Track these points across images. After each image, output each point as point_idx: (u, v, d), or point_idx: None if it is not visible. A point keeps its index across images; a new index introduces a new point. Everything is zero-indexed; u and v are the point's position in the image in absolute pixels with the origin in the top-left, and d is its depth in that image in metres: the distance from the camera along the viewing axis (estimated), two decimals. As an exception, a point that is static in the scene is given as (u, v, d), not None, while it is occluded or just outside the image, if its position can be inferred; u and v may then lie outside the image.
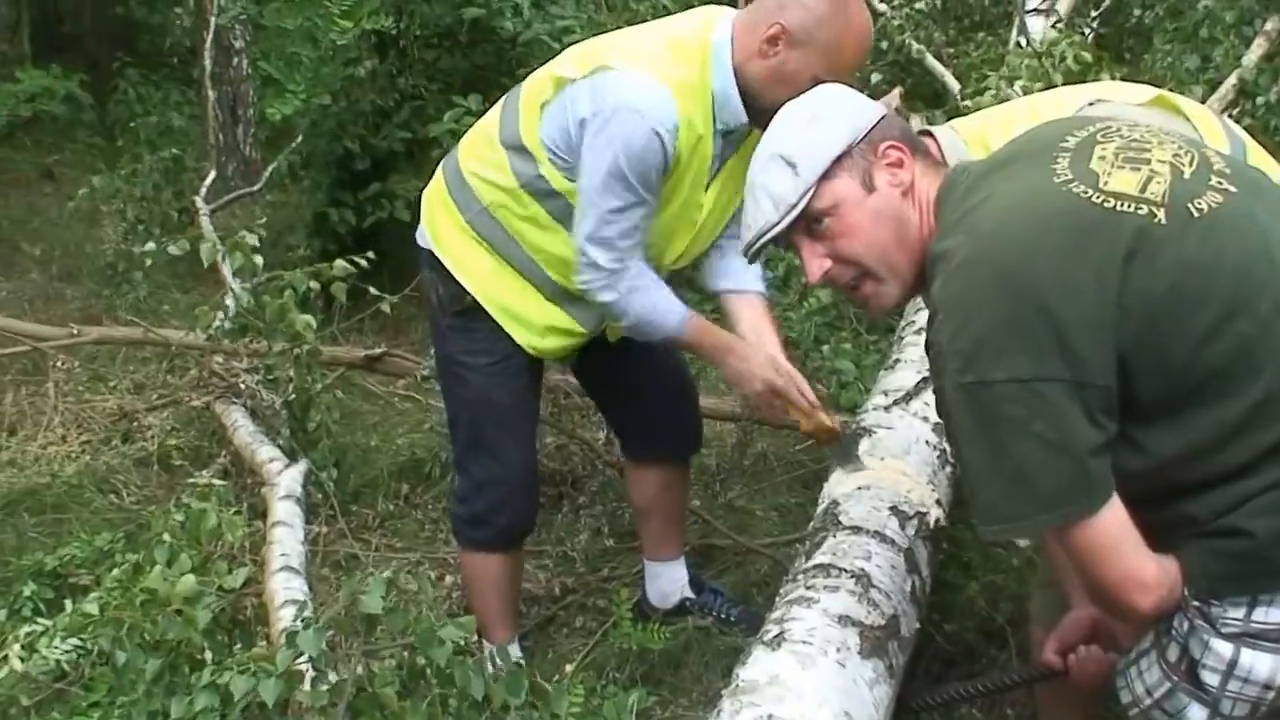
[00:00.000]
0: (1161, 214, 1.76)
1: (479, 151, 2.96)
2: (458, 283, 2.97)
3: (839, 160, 2.05)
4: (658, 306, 2.84)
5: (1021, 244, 1.78)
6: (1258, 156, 2.55)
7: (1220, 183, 1.83)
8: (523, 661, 3.15)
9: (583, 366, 3.41)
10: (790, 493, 4.10)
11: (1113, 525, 1.79)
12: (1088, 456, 1.75)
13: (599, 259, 2.75)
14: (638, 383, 3.26)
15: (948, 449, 2.83)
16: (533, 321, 2.97)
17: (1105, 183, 1.80)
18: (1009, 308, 1.76)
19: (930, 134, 2.56)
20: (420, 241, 3.07)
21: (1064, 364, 1.73)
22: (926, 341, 1.92)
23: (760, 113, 2.70)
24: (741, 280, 3.03)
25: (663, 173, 2.72)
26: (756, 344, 2.90)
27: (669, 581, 3.47)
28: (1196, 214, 1.77)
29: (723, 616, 3.43)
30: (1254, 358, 1.72)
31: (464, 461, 3.15)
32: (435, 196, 3.04)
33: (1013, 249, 1.79)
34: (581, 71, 2.75)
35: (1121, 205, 1.77)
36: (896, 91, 2.67)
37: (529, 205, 2.86)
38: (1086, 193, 1.79)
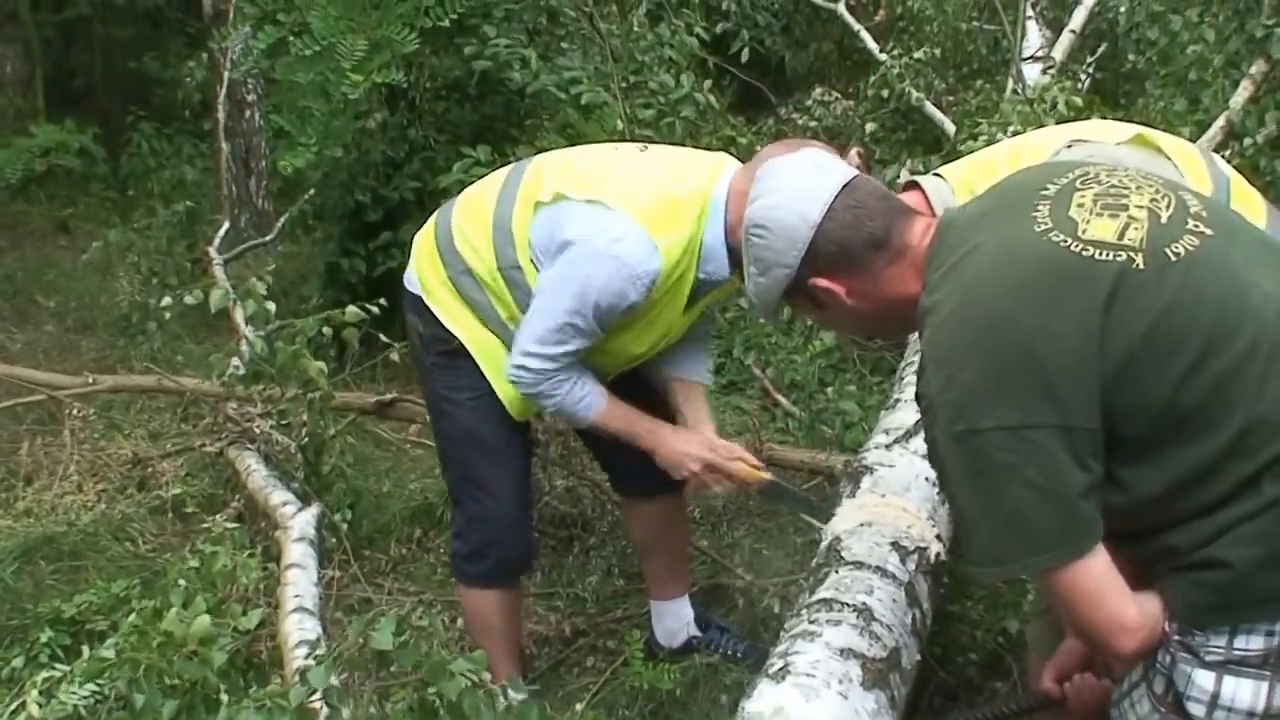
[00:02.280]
0: (1140, 259, 1.81)
1: (472, 218, 3.05)
2: (443, 326, 3.06)
3: (784, 298, 2.15)
4: (577, 404, 2.95)
5: (1005, 295, 1.84)
6: (1241, 192, 2.59)
7: (1197, 225, 1.88)
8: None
9: None
10: (796, 531, 4.12)
11: (1097, 570, 1.84)
12: (1078, 500, 1.80)
13: (530, 365, 2.88)
14: None
15: (945, 487, 2.87)
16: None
17: (1084, 231, 1.85)
18: (995, 358, 1.81)
19: (917, 184, 2.64)
20: (408, 285, 3.16)
21: (1051, 410, 1.78)
22: (916, 393, 1.97)
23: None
24: (693, 373, 3.19)
25: (629, 312, 2.84)
26: (690, 428, 3.06)
27: (675, 620, 3.51)
28: (1174, 258, 1.82)
29: (730, 653, 3.46)
30: (1230, 394, 1.77)
31: (457, 497, 3.22)
32: (424, 247, 3.14)
33: (996, 301, 1.84)
34: (582, 194, 2.86)
35: (1100, 253, 1.82)
36: (854, 153, 2.73)
37: (502, 288, 2.97)
38: (1065, 241, 1.84)
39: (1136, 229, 1.85)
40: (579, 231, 2.81)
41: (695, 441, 3.01)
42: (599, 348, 2.94)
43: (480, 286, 3.01)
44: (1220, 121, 4.43)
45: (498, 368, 3.02)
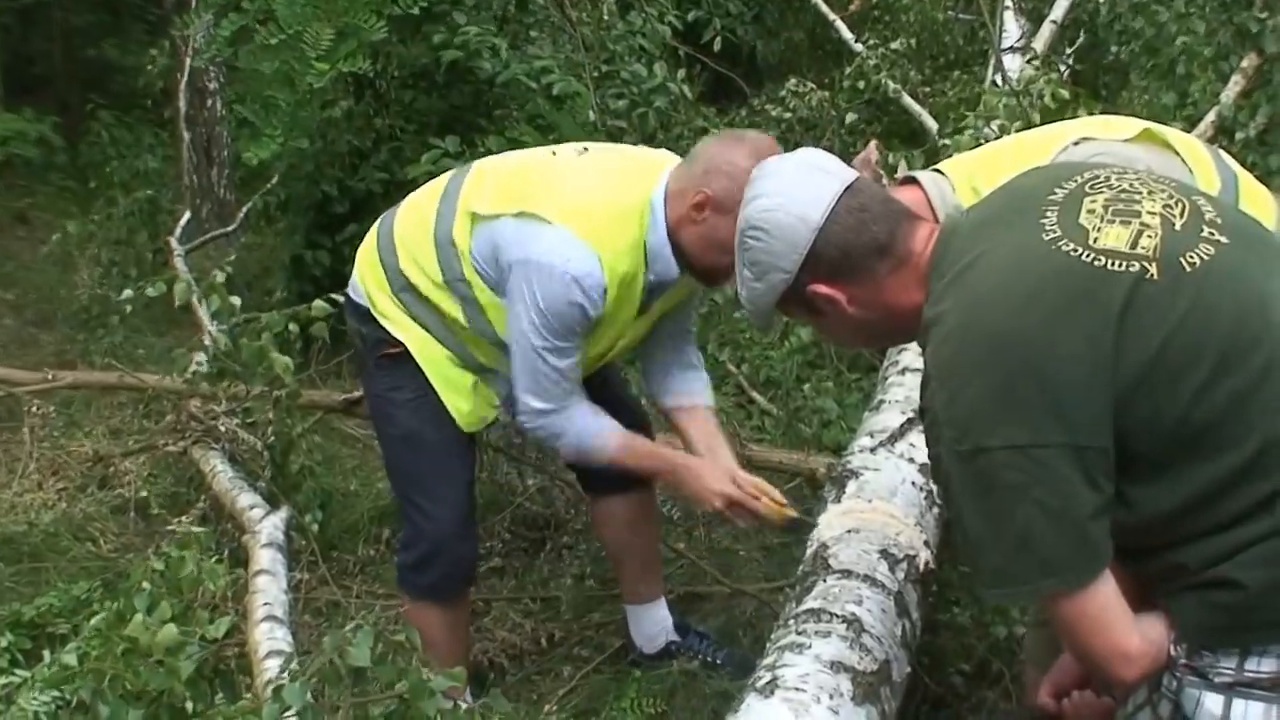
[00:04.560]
0: (1154, 269, 1.75)
1: (414, 231, 3.01)
2: (388, 331, 3.02)
3: (780, 305, 2.08)
4: (596, 437, 2.94)
5: (1012, 309, 1.77)
6: (1250, 190, 2.54)
7: (1212, 233, 1.81)
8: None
9: None
10: (775, 534, 4.07)
11: (1103, 596, 1.79)
12: (1088, 521, 1.75)
13: (535, 405, 2.87)
14: None
15: (934, 489, 2.82)
16: (458, 384, 3.02)
17: (1095, 239, 1.78)
18: (1003, 375, 1.74)
19: (915, 180, 2.57)
20: (352, 294, 3.12)
21: (1061, 429, 1.72)
22: (920, 407, 1.91)
23: (694, 271, 2.84)
24: (691, 397, 3.14)
25: (590, 324, 2.81)
26: (710, 458, 3.00)
27: (651, 624, 3.45)
28: (1189, 268, 1.76)
29: (709, 659, 3.40)
30: (1246, 412, 1.71)
31: (403, 503, 3.17)
32: (366, 258, 3.10)
33: (1003, 314, 1.77)
34: (521, 209, 2.82)
35: (1113, 263, 1.75)
36: (873, 146, 2.66)
37: (449, 300, 2.94)
38: (1076, 251, 1.77)
39: (1150, 237, 1.78)
40: (525, 253, 2.78)
41: (718, 476, 2.94)
42: None
43: (424, 301, 2.97)
44: (1211, 116, 4.39)
45: (447, 381, 3.01)
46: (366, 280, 3.07)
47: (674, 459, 3.01)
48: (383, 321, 3.02)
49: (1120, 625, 1.81)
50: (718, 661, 3.39)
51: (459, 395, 3.02)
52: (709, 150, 2.81)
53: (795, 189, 2.01)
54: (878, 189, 2.07)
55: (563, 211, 2.79)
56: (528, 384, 2.86)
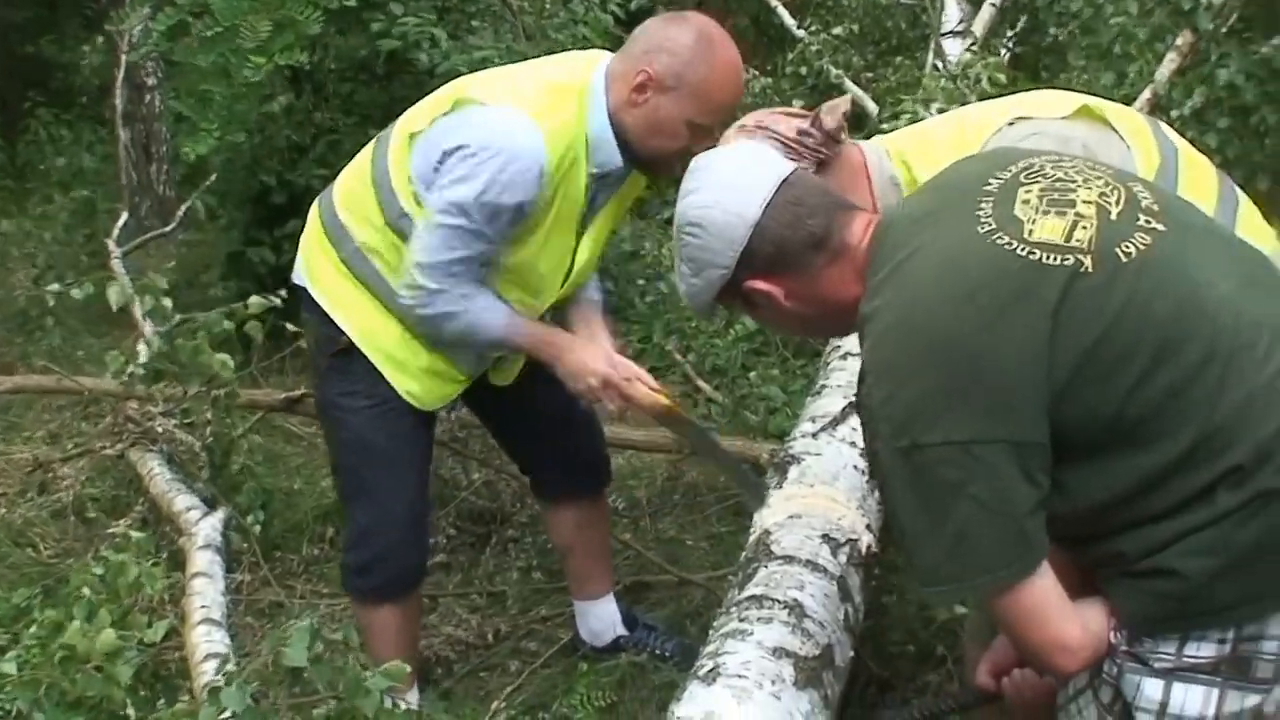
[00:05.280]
0: (1089, 262, 1.74)
1: (352, 188, 2.93)
2: (335, 324, 2.93)
3: (718, 298, 2.05)
4: (480, 317, 2.81)
5: (949, 306, 1.75)
6: (1192, 162, 2.53)
7: (1149, 222, 1.80)
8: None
9: (482, 411, 3.41)
10: (721, 522, 4.09)
11: (1040, 590, 1.79)
12: (1025, 517, 1.74)
13: (425, 282, 2.74)
14: (537, 421, 3.23)
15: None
16: (409, 365, 2.93)
17: (1030, 232, 1.77)
18: (940, 372, 1.73)
19: (859, 149, 2.56)
20: (295, 279, 3.03)
21: (999, 425, 1.71)
22: (857, 402, 1.90)
23: (639, 160, 2.75)
24: (582, 290, 3.06)
25: (520, 213, 2.69)
26: (589, 341, 2.92)
27: (598, 619, 3.43)
28: (1124, 258, 1.75)
29: (658, 652, 3.39)
30: (1182, 404, 1.70)
31: (348, 508, 3.11)
32: (312, 235, 3.01)
33: (941, 312, 1.76)
34: (447, 106, 2.75)
35: (1048, 257, 1.74)
36: (848, 98, 2.62)
37: (396, 244, 2.83)
38: (1011, 244, 1.76)
39: (1085, 228, 1.77)
40: (462, 136, 2.67)
41: (598, 355, 2.87)
42: (508, 278, 2.82)
43: (371, 257, 2.88)
44: (1146, 94, 4.41)
45: (394, 361, 2.92)
46: (313, 256, 2.98)
47: (555, 337, 2.92)
48: (323, 303, 2.94)
49: (1059, 617, 1.81)
50: (667, 653, 3.38)
51: (409, 378, 2.93)
52: (649, 29, 2.72)
53: (731, 184, 1.99)
54: (814, 180, 2.05)
55: (500, 94, 2.71)
56: (429, 260, 2.72)
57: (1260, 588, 1.73)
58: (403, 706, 2.59)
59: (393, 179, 2.81)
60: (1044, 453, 1.74)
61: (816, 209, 1.96)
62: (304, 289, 2.99)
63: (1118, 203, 1.82)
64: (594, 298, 3.09)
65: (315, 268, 2.97)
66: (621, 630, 3.42)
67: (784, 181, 1.97)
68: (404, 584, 3.09)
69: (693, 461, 4.29)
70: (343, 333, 2.92)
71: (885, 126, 4.45)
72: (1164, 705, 1.81)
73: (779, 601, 2.33)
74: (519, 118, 2.65)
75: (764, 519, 2.72)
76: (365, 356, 2.92)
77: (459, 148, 2.65)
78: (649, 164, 2.80)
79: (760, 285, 1.98)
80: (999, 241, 1.77)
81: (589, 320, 3.02)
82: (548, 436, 3.25)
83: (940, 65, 5.26)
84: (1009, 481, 1.72)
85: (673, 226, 2.07)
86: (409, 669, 2.95)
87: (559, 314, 3.08)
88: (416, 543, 3.09)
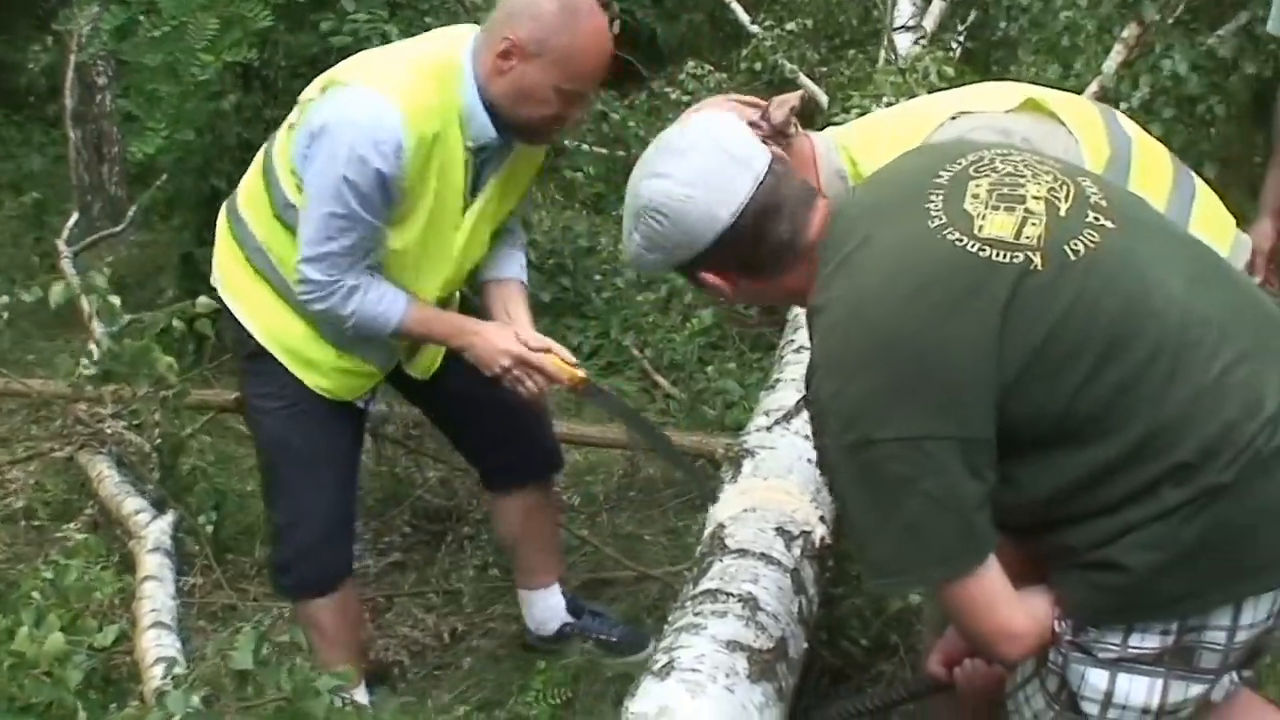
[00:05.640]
0: (1038, 259, 1.74)
1: (250, 184, 2.91)
2: (241, 325, 2.92)
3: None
4: (376, 307, 2.78)
5: (900, 301, 1.75)
6: (1147, 151, 2.53)
7: (1097, 218, 1.81)
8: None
9: (425, 405, 3.39)
10: (679, 516, 4.08)
11: (987, 582, 1.81)
12: (974, 511, 1.76)
13: (314, 275, 2.71)
14: (479, 409, 3.19)
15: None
16: (318, 362, 2.91)
17: (981, 228, 1.77)
18: (889, 369, 1.74)
19: (810, 141, 2.56)
20: (213, 283, 3.02)
21: (947, 422, 1.72)
22: (805, 396, 1.91)
23: (514, 129, 2.72)
24: (503, 270, 3.03)
25: (388, 191, 2.65)
26: (501, 322, 2.90)
27: (544, 609, 3.41)
28: (1073, 256, 1.76)
29: (604, 638, 3.38)
30: (1129, 401, 1.72)
31: (268, 507, 3.10)
32: (220, 236, 2.99)
33: (891, 307, 1.76)
34: (320, 88, 2.73)
35: (998, 254, 1.75)
36: (798, 94, 2.61)
37: (285, 237, 2.81)
38: (962, 240, 1.76)
39: (1034, 225, 1.78)
40: (323, 118, 2.64)
41: (505, 336, 2.84)
42: (398, 263, 2.79)
43: (269, 253, 2.86)
44: (1094, 87, 4.43)
45: (301, 359, 2.90)
46: (223, 259, 2.97)
47: (460, 323, 2.89)
48: (232, 306, 2.93)
49: (1005, 606, 1.83)
50: (614, 639, 3.37)
51: (319, 375, 2.91)
52: None
53: (706, 182, 1.93)
54: (788, 176, 1.98)
55: (367, 75, 2.69)
56: (311, 252, 2.69)
57: (1204, 582, 1.75)
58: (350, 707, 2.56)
59: (277, 169, 2.79)
60: (991, 449, 1.75)
61: (785, 214, 1.93)
62: (218, 290, 3.00)
63: (1067, 198, 1.83)
64: (514, 277, 3.04)
65: (224, 269, 2.96)
66: (566, 618, 3.41)
67: (760, 184, 1.92)
68: (326, 581, 3.06)
69: (650, 457, 4.28)
70: (250, 335, 2.91)
71: (836, 120, 4.46)
72: (1109, 694, 1.83)
73: (733, 595, 2.34)
74: (373, 96, 2.62)
75: (719, 513, 2.72)
76: (274, 358, 2.90)
77: (320, 129, 2.64)
78: (524, 132, 2.76)
79: (714, 280, 1.98)
80: (949, 237, 1.77)
81: (508, 302, 2.98)
82: (491, 424, 3.21)
83: (891, 60, 5.28)
84: (957, 477, 1.73)
85: (629, 193, 2.02)
86: (355, 668, 2.96)
87: (477, 299, 3.07)
88: (336, 541, 3.05)
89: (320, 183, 2.64)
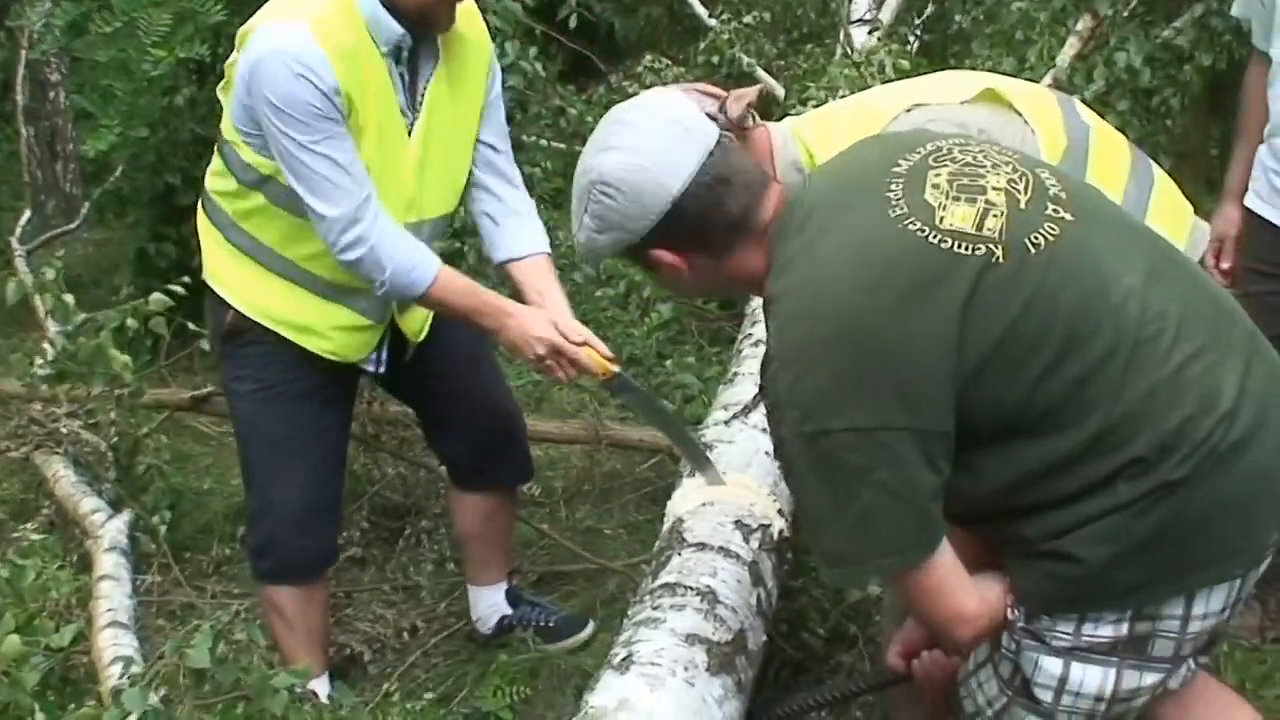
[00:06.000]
0: (1000, 252, 1.74)
1: (214, 164, 2.91)
2: (228, 306, 2.91)
3: (618, 253, 2.04)
4: (410, 257, 2.75)
5: (861, 292, 1.75)
6: (1105, 140, 2.54)
7: (1057, 210, 1.81)
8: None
9: (407, 398, 3.39)
10: (639, 510, 4.09)
11: (940, 568, 1.82)
12: (928, 502, 1.77)
13: (331, 212, 2.67)
14: (465, 410, 3.20)
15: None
16: (316, 326, 2.89)
17: (942, 219, 1.77)
18: (849, 358, 1.73)
19: (767, 132, 2.57)
20: (204, 278, 3.01)
21: (905, 413, 1.72)
22: (761, 385, 1.89)
23: (412, 18, 2.70)
24: (522, 245, 3.00)
25: (333, 102, 2.64)
26: (537, 306, 2.86)
27: (487, 606, 3.43)
28: (1033, 249, 1.76)
29: (542, 624, 3.39)
30: (1087, 395, 1.72)
31: (245, 491, 3.09)
32: (201, 228, 2.99)
33: (851, 297, 1.75)
34: (236, 47, 2.74)
35: (959, 246, 1.74)
36: (756, 89, 2.61)
37: (253, 198, 2.81)
38: (923, 231, 1.76)
39: (996, 217, 1.77)
40: (244, 69, 2.66)
41: (541, 323, 2.79)
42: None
43: (244, 225, 2.86)
44: (1047, 79, 4.45)
45: (298, 327, 2.89)
46: (206, 245, 2.97)
47: (497, 303, 2.84)
48: (223, 291, 2.92)
49: (958, 591, 1.85)
50: (551, 624, 3.38)
51: (320, 338, 2.90)
52: None
53: (655, 150, 1.93)
54: (739, 153, 1.99)
55: (269, 14, 2.70)
56: (313, 197, 2.67)
57: (1157, 574, 1.76)
58: (311, 698, 2.56)
59: (226, 135, 2.80)
60: (948, 441, 1.75)
61: (738, 188, 1.93)
62: (207, 284, 2.98)
63: (1026, 190, 1.83)
64: (535, 250, 3.00)
65: (209, 257, 2.96)
66: (505, 611, 3.42)
67: (710, 155, 1.92)
68: (300, 569, 3.05)
69: (611, 451, 4.28)
70: (233, 310, 2.90)
71: (793, 112, 4.46)
72: (1063, 681, 1.84)
73: (692, 588, 2.34)
74: (280, 26, 2.63)
75: (676, 507, 2.72)
76: (257, 338, 2.89)
77: (249, 76, 2.64)
78: (420, 21, 2.73)
79: (667, 257, 1.96)
80: (911, 228, 1.77)
81: (537, 280, 2.94)
82: (471, 426, 3.22)
83: (849, 52, 5.28)
84: (913, 468, 1.74)
85: (577, 175, 2.01)
86: (315, 662, 2.95)
87: (504, 274, 3.03)
88: (310, 528, 3.02)
89: (273, 118, 2.63)
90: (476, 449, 3.25)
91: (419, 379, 3.16)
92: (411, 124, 2.81)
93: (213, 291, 2.94)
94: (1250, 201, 3.14)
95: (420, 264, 2.76)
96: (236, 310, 2.90)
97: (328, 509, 3.08)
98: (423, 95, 2.81)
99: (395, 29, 2.69)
